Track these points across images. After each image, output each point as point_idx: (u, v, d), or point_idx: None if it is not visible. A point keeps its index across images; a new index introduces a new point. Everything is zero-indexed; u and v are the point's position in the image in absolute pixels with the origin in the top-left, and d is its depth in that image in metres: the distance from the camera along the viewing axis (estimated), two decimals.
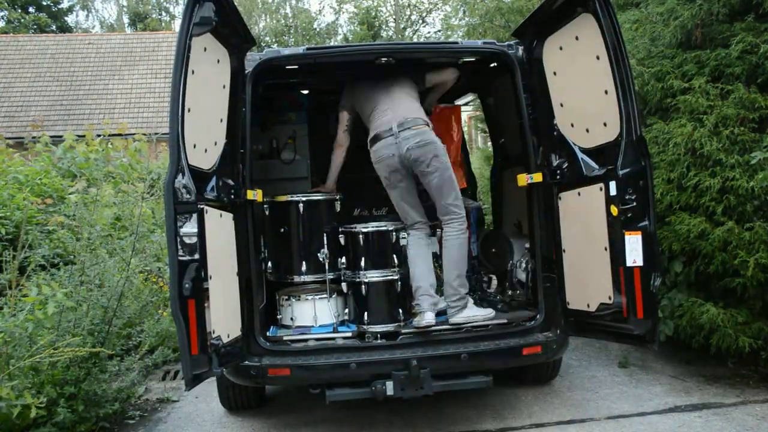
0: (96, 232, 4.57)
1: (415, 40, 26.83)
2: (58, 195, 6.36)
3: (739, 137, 4.11)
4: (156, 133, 8.00)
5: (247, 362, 3.50)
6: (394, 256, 3.92)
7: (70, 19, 32.17)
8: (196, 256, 2.89)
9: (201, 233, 2.95)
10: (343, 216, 4.25)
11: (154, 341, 5.27)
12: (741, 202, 4.02)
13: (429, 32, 30.03)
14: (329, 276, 3.97)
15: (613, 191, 3.26)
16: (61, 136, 8.43)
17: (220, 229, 3.30)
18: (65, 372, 3.79)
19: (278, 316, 4.04)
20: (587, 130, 3.49)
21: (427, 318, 3.69)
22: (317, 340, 3.73)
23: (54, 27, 28.73)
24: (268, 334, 3.77)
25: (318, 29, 33.18)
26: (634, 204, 3.17)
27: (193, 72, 2.96)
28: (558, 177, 3.70)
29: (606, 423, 3.82)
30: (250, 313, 3.58)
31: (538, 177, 3.77)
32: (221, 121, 3.44)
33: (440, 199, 3.85)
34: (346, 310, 3.98)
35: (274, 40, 32.40)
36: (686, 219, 4.18)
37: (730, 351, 4.23)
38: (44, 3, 29.06)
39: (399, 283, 3.87)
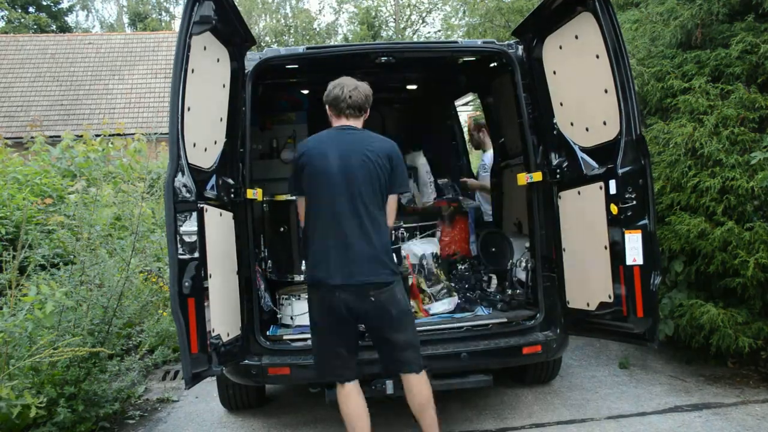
0: (96, 232, 4.56)
1: (415, 40, 26.83)
2: (58, 195, 6.36)
3: (739, 137, 4.11)
4: (155, 133, 8.00)
5: (247, 361, 3.50)
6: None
7: (70, 19, 32.22)
8: (196, 255, 2.89)
9: (201, 232, 2.95)
10: None
11: (154, 341, 5.27)
12: (741, 202, 4.02)
13: (429, 32, 30.06)
14: None
15: (612, 190, 3.26)
16: (59, 136, 8.43)
17: (219, 228, 3.30)
18: (65, 372, 3.79)
19: (278, 315, 4.03)
20: (587, 129, 3.49)
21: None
22: None
23: (54, 27, 28.74)
24: (268, 333, 3.77)
25: (318, 29, 33.22)
26: (634, 203, 3.17)
27: (192, 71, 2.96)
28: (558, 176, 3.70)
29: (606, 423, 3.82)
30: (250, 313, 3.58)
31: (537, 176, 3.77)
32: (221, 120, 3.44)
33: None
34: None
35: (274, 39, 32.41)
36: (686, 219, 4.18)
37: (730, 351, 4.23)
38: (44, 3, 29.07)
39: None
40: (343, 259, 3.03)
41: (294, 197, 3.22)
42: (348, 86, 3.19)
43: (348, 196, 3.06)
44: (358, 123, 3.25)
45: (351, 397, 3.15)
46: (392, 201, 3.26)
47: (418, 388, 3.18)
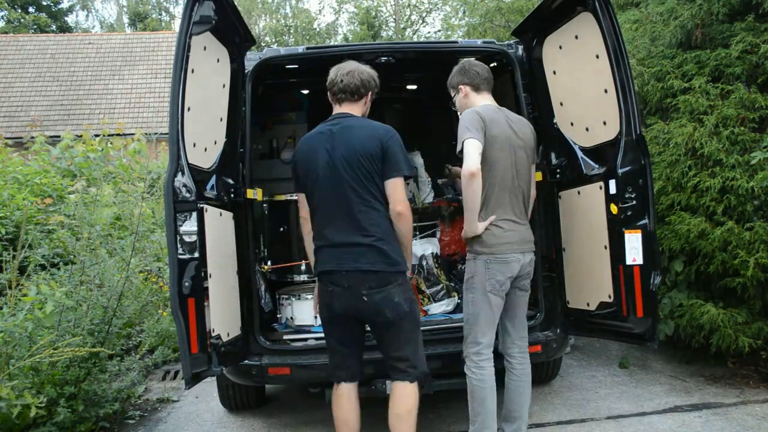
0: (96, 232, 4.56)
1: (415, 40, 26.82)
2: (58, 195, 6.36)
3: (739, 137, 4.11)
4: (155, 133, 7.99)
5: (247, 361, 3.50)
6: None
7: (70, 19, 32.22)
8: (196, 255, 2.88)
9: (201, 232, 2.94)
10: None
11: (154, 341, 5.27)
12: (741, 202, 4.02)
13: (429, 32, 30.06)
14: None
15: (612, 190, 3.26)
16: (59, 136, 8.43)
17: (219, 228, 3.30)
18: (65, 372, 3.79)
19: (278, 315, 4.03)
20: (587, 129, 3.49)
21: None
22: (317, 339, 3.72)
23: (54, 27, 28.74)
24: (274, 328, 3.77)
25: (318, 29, 33.20)
26: (634, 202, 3.16)
27: (192, 71, 2.95)
28: (558, 176, 3.70)
29: (606, 423, 3.82)
30: (250, 312, 3.58)
31: (537, 176, 3.76)
32: (221, 120, 3.44)
33: None
34: None
35: (274, 39, 32.41)
36: (686, 219, 4.18)
37: (730, 351, 4.23)
38: (44, 3, 29.07)
39: None
40: (335, 252, 2.96)
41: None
42: (343, 69, 3.06)
43: (336, 189, 2.94)
44: (354, 109, 3.09)
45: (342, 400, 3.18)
46: (392, 186, 2.95)
47: (401, 396, 3.08)
